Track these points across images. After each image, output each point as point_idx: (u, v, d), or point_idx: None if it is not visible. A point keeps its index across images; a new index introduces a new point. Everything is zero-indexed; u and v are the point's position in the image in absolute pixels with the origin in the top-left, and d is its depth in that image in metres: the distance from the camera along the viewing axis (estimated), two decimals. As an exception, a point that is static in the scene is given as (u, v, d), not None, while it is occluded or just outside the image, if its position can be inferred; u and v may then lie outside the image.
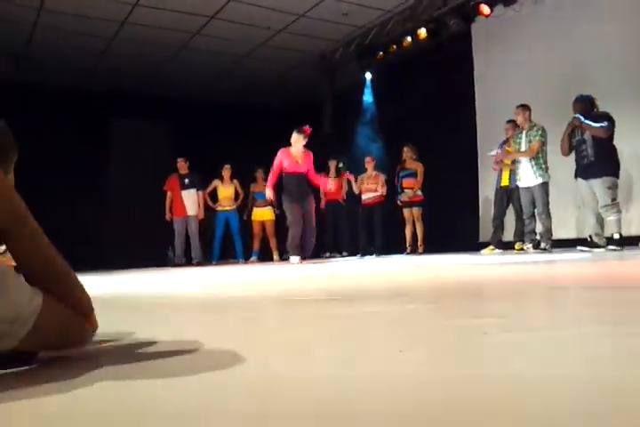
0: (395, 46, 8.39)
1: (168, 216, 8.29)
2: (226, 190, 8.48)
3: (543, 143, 5.83)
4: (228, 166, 8.46)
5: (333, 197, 8.45)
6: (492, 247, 6.77)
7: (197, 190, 8.28)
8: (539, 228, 5.90)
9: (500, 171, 6.85)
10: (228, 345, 1.12)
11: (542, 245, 5.81)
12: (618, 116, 5.44)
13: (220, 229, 8.45)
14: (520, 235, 6.49)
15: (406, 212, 7.92)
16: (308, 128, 6.29)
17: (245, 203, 8.67)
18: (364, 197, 8.13)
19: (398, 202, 7.95)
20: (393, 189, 8.04)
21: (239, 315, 1.77)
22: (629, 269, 3.34)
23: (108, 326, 1.22)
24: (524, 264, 4.08)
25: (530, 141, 5.88)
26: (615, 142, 5.43)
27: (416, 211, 7.84)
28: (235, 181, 8.55)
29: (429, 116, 8.39)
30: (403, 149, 7.93)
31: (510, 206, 6.80)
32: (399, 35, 8.23)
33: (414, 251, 7.82)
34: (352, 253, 8.43)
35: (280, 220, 7.81)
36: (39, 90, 9.11)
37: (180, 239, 8.28)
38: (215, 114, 10.53)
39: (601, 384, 0.67)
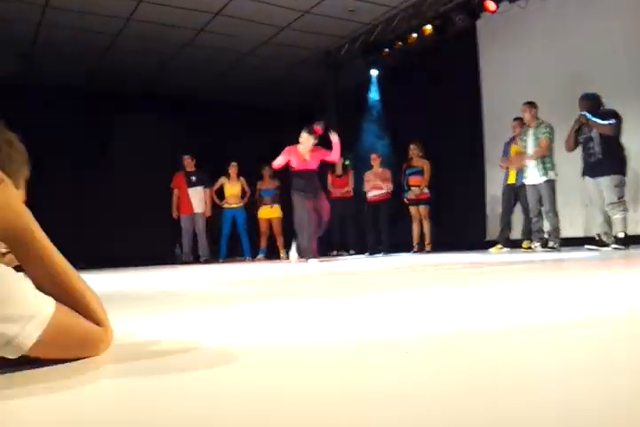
0: (400, 43, 8.34)
1: (175, 214, 8.31)
2: (232, 188, 8.46)
3: (551, 141, 5.79)
4: (234, 164, 8.45)
5: (340, 195, 8.42)
6: (499, 246, 6.75)
7: (204, 188, 8.29)
8: (546, 226, 5.88)
9: (507, 168, 6.82)
10: (228, 345, 1.13)
11: (550, 243, 5.77)
12: (623, 114, 5.42)
13: (227, 226, 8.44)
14: (528, 233, 6.44)
15: (413, 210, 7.88)
16: (319, 128, 6.04)
17: (253, 200, 8.66)
18: (369, 194, 8.08)
19: (405, 200, 7.92)
20: (399, 186, 8.00)
21: (243, 313, 1.78)
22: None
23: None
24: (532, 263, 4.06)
25: (537, 139, 5.84)
26: (621, 140, 5.41)
27: (423, 209, 7.79)
28: (241, 178, 8.54)
29: (435, 113, 8.36)
30: (409, 147, 7.88)
31: (518, 204, 6.78)
32: (405, 31, 8.19)
33: (421, 249, 7.79)
34: (359, 252, 8.40)
35: (287, 218, 7.79)
36: (43, 87, 9.10)
37: (187, 237, 8.29)
38: (221, 111, 10.51)
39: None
